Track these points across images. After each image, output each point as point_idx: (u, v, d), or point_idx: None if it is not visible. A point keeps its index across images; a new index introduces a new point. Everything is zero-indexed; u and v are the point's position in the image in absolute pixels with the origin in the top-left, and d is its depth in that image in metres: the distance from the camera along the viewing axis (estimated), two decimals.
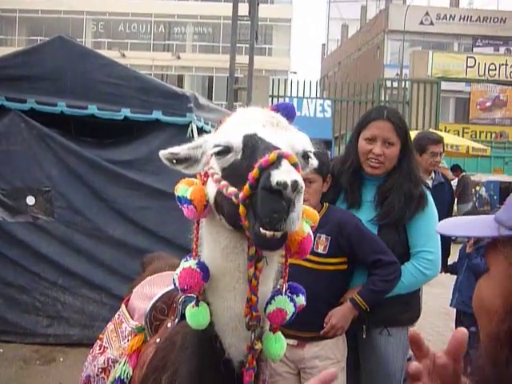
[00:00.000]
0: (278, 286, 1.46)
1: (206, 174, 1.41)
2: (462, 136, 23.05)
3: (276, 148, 1.23)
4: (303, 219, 1.34)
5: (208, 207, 1.38)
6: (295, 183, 1.14)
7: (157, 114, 4.75)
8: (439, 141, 4.85)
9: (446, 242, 5.23)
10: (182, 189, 1.42)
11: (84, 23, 35.41)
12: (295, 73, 36.20)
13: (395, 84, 18.32)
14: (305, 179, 1.28)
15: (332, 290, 2.54)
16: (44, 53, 4.89)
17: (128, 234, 4.85)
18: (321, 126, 15.81)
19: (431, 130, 14.77)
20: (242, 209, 1.22)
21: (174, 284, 1.42)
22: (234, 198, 1.24)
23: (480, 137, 25.63)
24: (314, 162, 1.45)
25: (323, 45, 47.43)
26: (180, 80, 34.99)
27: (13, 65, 4.87)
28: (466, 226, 1.00)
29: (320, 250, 2.46)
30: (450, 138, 13.66)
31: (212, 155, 1.37)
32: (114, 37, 35.31)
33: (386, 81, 18.49)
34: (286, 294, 1.43)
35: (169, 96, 4.79)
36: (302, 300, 1.48)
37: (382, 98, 17.56)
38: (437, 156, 4.76)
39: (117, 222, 4.87)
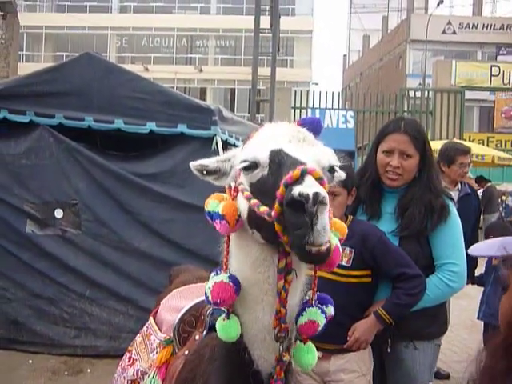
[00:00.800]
0: (307, 297, 1.48)
1: (236, 189, 1.43)
2: (487, 145, 22.74)
3: (301, 163, 1.25)
4: (332, 231, 1.35)
5: (240, 222, 1.40)
6: (316, 195, 1.15)
7: (182, 128, 4.81)
8: (467, 151, 4.83)
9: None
10: (213, 204, 1.45)
11: (108, 38, 36.07)
12: (317, 84, 36.23)
13: (418, 94, 18.21)
14: (329, 192, 1.30)
15: (356, 303, 2.53)
16: (71, 69, 5.00)
17: (154, 247, 4.90)
18: (343, 136, 15.77)
19: (456, 139, 14.64)
20: (278, 227, 1.23)
21: (207, 297, 1.44)
22: (267, 217, 1.26)
23: (506, 146, 25.25)
24: (341, 175, 1.46)
25: (345, 55, 47.46)
26: (202, 93, 35.34)
27: (41, 81, 4.99)
28: (492, 246, 1.00)
29: (344, 263, 2.45)
30: (475, 148, 13.47)
31: (240, 170, 1.39)
32: (137, 51, 35.89)
33: (408, 91, 18.39)
34: (316, 305, 1.45)
35: (193, 109, 4.84)
36: (331, 310, 1.50)
37: (405, 108, 17.47)
38: (465, 167, 4.73)
39: (142, 235, 4.92)
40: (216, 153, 4.79)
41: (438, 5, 29.07)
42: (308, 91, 18.70)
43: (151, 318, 2.35)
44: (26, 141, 5.00)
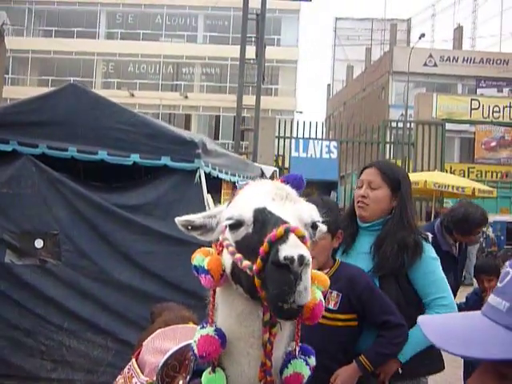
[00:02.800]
0: (290, 348, 1.50)
1: (221, 244, 1.47)
2: (468, 176, 23.13)
3: (284, 222, 1.30)
4: (314, 285, 1.40)
5: (224, 276, 1.44)
6: (301, 257, 1.21)
7: (165, 160, 4.83)
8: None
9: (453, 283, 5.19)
10: (199, 258, 1.48)
11: (94, 64, 36.20)
12: (301, 112, 36.69)
13: (400, 125, 18.52)
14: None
15: (341, 347, 2.53)
16: (56, 99, 5.02)
17: (134, 278, 4.86)
18: (327, 167, 15.94)
19: (436, 171, 14.87)
20: (257, 281, 1.29)
21: (193, 351, 1.46)
22: (248, 271, 1.31)
23: (486, 176, 25.69)
24: (322, 229, 1.50)
25: (329, 85, 48.16)
26: (187, 119, 35.49)
27: (25, 111, 4.99)
28: (470, 341, 0.87)
29: (331, 306, 2.47)
30: (455, 180, 13.70)
31: (226, 227, 1.44)
32: (123, 77, 36.04)
33: (391, 122, 18.69)
34: (299, 356, 1.48)
35: (177, 142, 4.87)
36: (313, 361, 1.53)
37: (388, 139, 17.71)
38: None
39: (123, 266, 4.88)
40: (199, 186, 4.82)
41: (420, 38, 29.79)
42: (292, 120, 18.91)
43: (133, 360, 2.33)
44: (8, 169, 4.97)
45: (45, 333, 4.90)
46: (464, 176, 22.24)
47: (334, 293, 2.48)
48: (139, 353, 2.30)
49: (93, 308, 4.89)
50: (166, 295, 4.62)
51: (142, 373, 2.17)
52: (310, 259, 1.24)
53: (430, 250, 2.73)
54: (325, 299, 2.29)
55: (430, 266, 2.68)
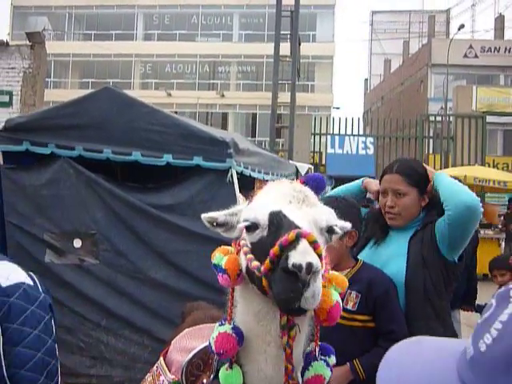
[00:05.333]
0: (310, 349, 1.51)
1: (239, 244, 1.50)
2: None
3: (297, 227, 1.31)
4: (332, 286, 1.42)
5: (241, 276, 1.47)
6: (309, 266, 1.22)
7: (197, 160, 4.88)
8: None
9: (472, 278, 5.11)
10: (218, 257, 1.52)
11: (132, 65, 36.84)
12: (338, 108, 36.49)
13: (439, 118, 18.14)
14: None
15: (359, 347, 2.51)
16: (91, 103, 5.14)
17: (169, 277, 4.94)
18: (363, 163, 15.78)
19: (477, 165, 14.50)
20: (264, 281, 1.32)
21: (210, 348, 1.50)
22: (256, 272, 1.34)
23: None
24: (338, 233, 1.50)
25: (366, 79, 47.58)
26: (224, 118, 35.73)
27: (62, 115, 5.13)
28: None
29: (349, 307, 2.45)
30: (496, 174, 13.34)
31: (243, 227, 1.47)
32: (160, 77, 36.55)
33: (429, 116, 18.34)
34: (319, 357, 1.50)
35: (209, 142, 4.92)
36: (333, 360, 1.55)
37: (426, 134, 17.38)
38: None
39: (159, 265, 4.97)
40: (231, 185, 4.85)
41: (459, 29, 29.04)
42: (328, 117, 18.79)
43: (161, 358, 2.37)
44: (47, 172, 5.12)
45: (84, 330, 5.04)
46: (508, 169, 21.58)
47: (353, 293, 2.46)
48: (167, 351, 2.34)
49: (129, 306, 5.00)
50: (200, 294, 4.67)
51: (169, 371, 2.21)
52: (319, 267, 1.25)
53: None
54: (344, 299, 2.29)
55: None
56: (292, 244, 1.25)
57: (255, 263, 1.35)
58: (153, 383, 2.29)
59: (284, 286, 1.24)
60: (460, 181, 2.75)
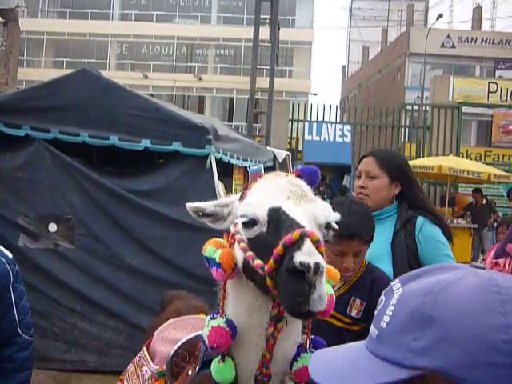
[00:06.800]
0: (301, 341, 1.52)
1: (233, 237, 1.46)
2: (485, 159, 22.80)
3: (299, 226, 1.30)
4: (326, 280, 1.40)
5: (236, 270, 1.44)
6: (317, 266, 1.20)
7: (176, 146, 4.84)
8: None
9: None
10: (210, 250, 1.48)
11: (108, 45, 36.17)
12: (316, 94, 36.48)
13: (416, 107, 18.29)
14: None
15: None
16: (68, 84, 5.03)
17: (147, 264, 4.91)
18: (340, 150, 15.85)
19: (452, 155, 14.70)
20: (269, 281, 1.29)
21: (204, 342, 1.47)
22: (260, 271, 1.31)
23: (503, 160, 25.32)
24: (336, 228, 1.50)
25: (344, 66, 47.68)
26: (201, 101, 35.44)
27: (38, 96, 5.01)
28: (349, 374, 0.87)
29: (353, 314, 2.35)
30: (470, 165, 13.55)
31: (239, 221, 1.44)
32: (137, 58, 35.99)
33: (406, 105, 18.48)
34: (310, 350, 1.49)
35: (188, 128, 4.87)
36: None
37: (403, 123, 17.53)
38: None
39: (136, 251, 4.93)
40: (210, 171, 4.82)
41: (438, 18, 29.25)
42: (306, 104, 18.77)
43: (144, 349, 2.35)
44: (22, 155, 5.01)
45: (58, 315, 4.98)
46: (480, 159, 21.94)
47: (358, 301, 2.36)
48: (150, 342, 2.32)
49: (105, 292, 4.96)
50: (177, 280, 4.67)
51: (153, 361, 2.20)
52: (325, 267, 1.24)
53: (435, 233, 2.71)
54: (348, 306, 2.24)
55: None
56: (296, 244, 1.23)
57: (258, 262, 1.32)
58: (135, 373, 2.28)
59: (291, 290, 1.22)
60: None
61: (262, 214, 1.37)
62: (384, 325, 0.85)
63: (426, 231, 2.67)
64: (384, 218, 2.74)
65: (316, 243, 1.26)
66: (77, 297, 4.97)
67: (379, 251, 2.60)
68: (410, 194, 2.76)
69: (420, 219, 2.67)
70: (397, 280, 0.91)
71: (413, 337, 0.80)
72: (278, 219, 1.34)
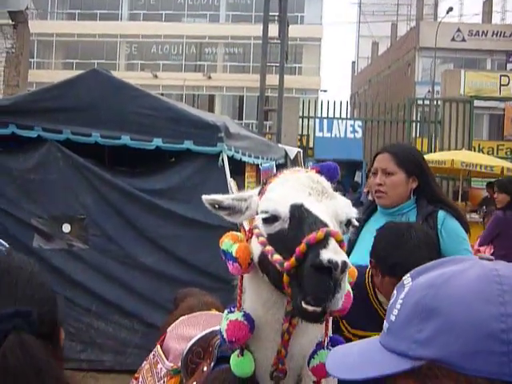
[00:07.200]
0: (320, 339, 1.50)
1: (251, 232, 1.46)
2: (497, 153, 22.57)
3: (323, 224, 1.29)
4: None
5: (252, 264, 1.43)
6: (344, 264, 1.19)
7: (188, 144, 4.83)
8: None
9: None
10: (227, 243, 1.47)
11: (118, 46, 36.29)
12: (326, 91, 36.29)
13: (427, 102, 18.15)
14: None
15: None
16: (79, 85, 5.04)
17: (160, 262, 4.91)
18: (351, 146, 15.77)
19: (464, 149, 14.57)
20: (286, 278, 1.28)
21: (222, 336, 1.47)
22: (278, 266, 1.29)
23: None
24: (356, 225, 1.50)
25: (353, 62, 47.43)
26: (211, 100, 35.45)
27: (49, 97, 5.03)
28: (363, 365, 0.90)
29: None
30: (483, 159, 13.41)
31: (258, 215, 1.43)
32: (146, 58, 36.07)
33: (417, 100, 18.35)
34: (327, 347, 1.47)
35: (200, 126, 4.86)
36: None
37: (414, 117, 17.41)
38: None
39: (149, 250, 4.94)
40: (222, 169, 4.81)
41: (448, 12, 29.01)
42: (316, 100, 18.73)
43: (158, 346, 2.35)
44: (34, 156, 5.04)
45: (73, 315, 5.00)
46: (493, 153, 21.72)
47: None
48: (163, 339, 2.32)
49: (119, 291, 4.98)
50: (190, 279, 4.67)
51: (167, 359, 2.19)
52: (350, 266, 1.25)
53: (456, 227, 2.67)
54: None
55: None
56: (321, 243, 1.22)
57: (277, 257, 1.31)
58: (150, 371, 2.28)
59: (315, 285, 1.21)
60: None
61: (284, 211, 1.36)
62: (393, 318, 0.88)
63: (449, 226, 2.64)
64: (404, 214, 2.72)
65: (340, 243, 1.25)
66: (91, 296, 5.00)
67: None
68: (427, 188, 2.74)
69: (441, 213, 2.64)
70: (408, 274, 0.93)
71: (417, 328, 0.82)
72: (301, 216, 1.33)
